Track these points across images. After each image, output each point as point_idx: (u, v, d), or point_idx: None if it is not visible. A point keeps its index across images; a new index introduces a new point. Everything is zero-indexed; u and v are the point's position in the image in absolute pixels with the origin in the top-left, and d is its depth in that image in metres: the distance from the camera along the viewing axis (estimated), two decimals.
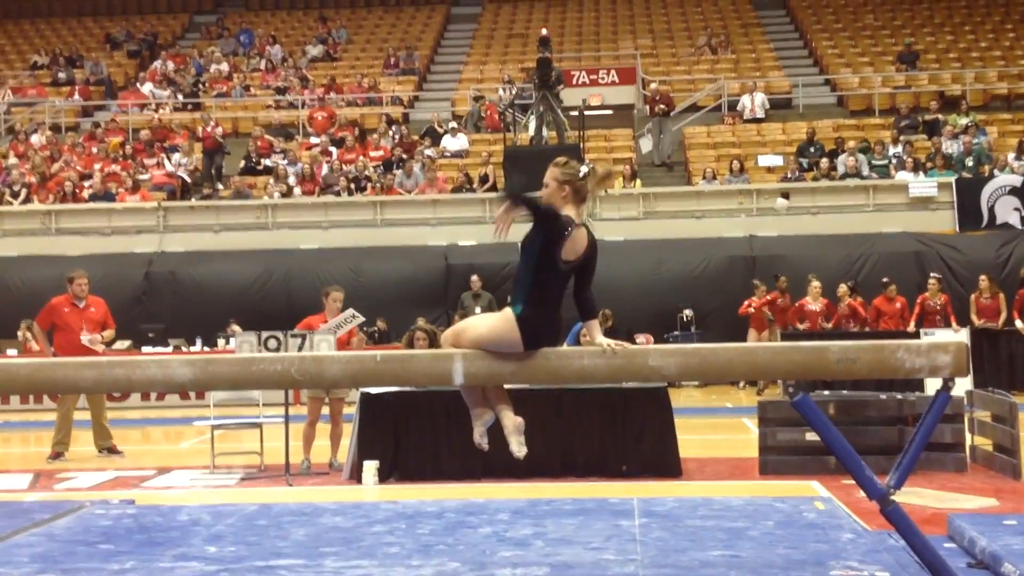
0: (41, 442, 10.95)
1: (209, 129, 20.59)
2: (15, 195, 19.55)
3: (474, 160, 20.02)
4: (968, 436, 8.54)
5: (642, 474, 8.14)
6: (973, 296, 14.81)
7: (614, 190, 18.44)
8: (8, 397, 14.49)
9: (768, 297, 15.20)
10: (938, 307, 14.54)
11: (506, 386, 7.86)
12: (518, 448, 4.73)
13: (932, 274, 15.20)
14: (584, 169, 4.61)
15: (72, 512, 6.48)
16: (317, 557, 5.25)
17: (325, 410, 9.24)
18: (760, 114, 21.46)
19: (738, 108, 21.66)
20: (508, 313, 4.53)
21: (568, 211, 4.57)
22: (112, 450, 10.18)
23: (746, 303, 15.33)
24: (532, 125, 18.90)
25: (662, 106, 20.51)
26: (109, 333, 10.38)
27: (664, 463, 8.26)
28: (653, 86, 20.99)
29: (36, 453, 10.54)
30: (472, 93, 22.58)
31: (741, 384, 15.36)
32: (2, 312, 16.40)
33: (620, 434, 8.31)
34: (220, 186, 19.84)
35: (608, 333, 14.27)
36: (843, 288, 14.81)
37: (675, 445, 8.36)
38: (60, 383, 5.28)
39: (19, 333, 15.35)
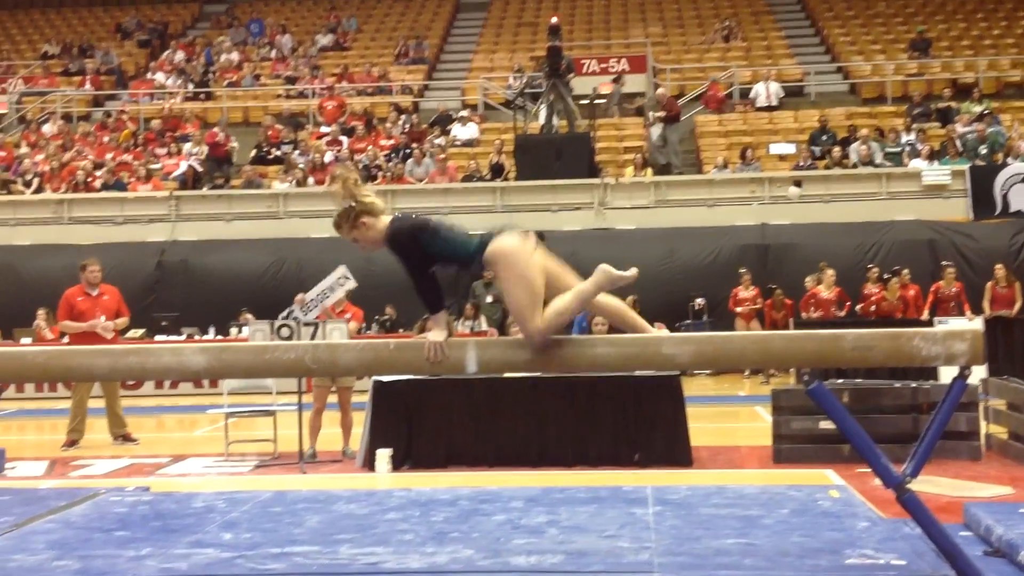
0: (56, 430, 10.99)
1: (220, 138, 20.43)
2: (28, 184, 19.62)
3: (485, 149, 20.00)
4: (983, 424, 8.51)
5: (654, 463, 8.14)
6: (989, 284, 14.74)
7: (625, 178, 18.42)
8: (23, 385, 14.55)
9: (757, 304, 15.27)
10: (952, 295, 14.49)
11: (517, 374, 7.87)
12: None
13: (946, 262, 15.14)
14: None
15: (88, 499, 6.50)
16: (332, 544, 5.25)
17: (332, 398, 9.25)
18: (774, 102, 21.38)
19: (751, 96, 21.57)
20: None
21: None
22: (127, 438, 10.22)
23: (732, 295, 15.39)
24: (543, 114, 18.86)
25: (663, 112, 19.42)
26: (123, 321, 10.41)
27: (676, 452, 8.26)
28: (661, 90, 20.47)
29: (51, 441, 10.58)
30: (482, 82, 22.55)
31: (745, 373, 15.36)
32: (15, 300, 16.45)
33: (632, 423, 8.30)
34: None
35: None
36: (896, 281, 14.62)
37: (687, 434, 8.36)
38: (75, 371, 5.29)
39: (37, 322, 15.36)
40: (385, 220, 4.51)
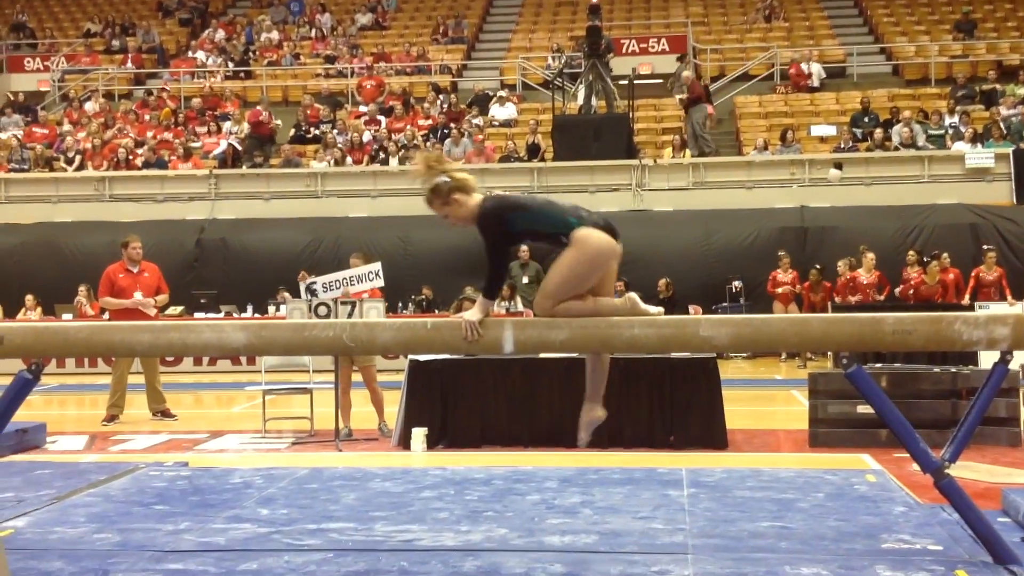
0: (96, 405, 11.14)
1: (264, 117, 20.50)
2: (69, 162, 19.84)
3: (523, 129, 19.95)
4: (1023, 410, 8.41)
5: (689, 445, 8.12)
6: None
7: (663, 160, 18.31)
8: (64, 360, 14.76)
9: (796, 287, 15.15)
10: (993, 280, 14.31)
11: (552, 355, 7.86)
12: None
13: (987, 246, 14.94)
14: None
15: (127, 473, 6.60)
16: (367, 521, 5.30)
17: (357, 377, 9.25)
18: (816, 83, 21.14)
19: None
20: None
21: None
22: (165, 413, 10.34)
23: (771, 278, 15.28)
24: (581, 94, 18.79)
25: (685, 96, 18.85)
26: (163, 298, 10.51)
27: (712, 434, 8.23)
28: (687, 73, 20.16)
29: (91, 416, 10.73)
30: (521, 62, 22.48)
31: (782, 356, 15.26)
32: (57, 277, 16.65)
33: (668, 405, 8.28)
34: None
35: (667, 302, 14.07)
36: (936, 264, 14.43)
37: (722, 417, 8.32)
38: (116, 346, 5.35)
39: (78, 298, 15.54)
40: (477, 199, 4.53)
